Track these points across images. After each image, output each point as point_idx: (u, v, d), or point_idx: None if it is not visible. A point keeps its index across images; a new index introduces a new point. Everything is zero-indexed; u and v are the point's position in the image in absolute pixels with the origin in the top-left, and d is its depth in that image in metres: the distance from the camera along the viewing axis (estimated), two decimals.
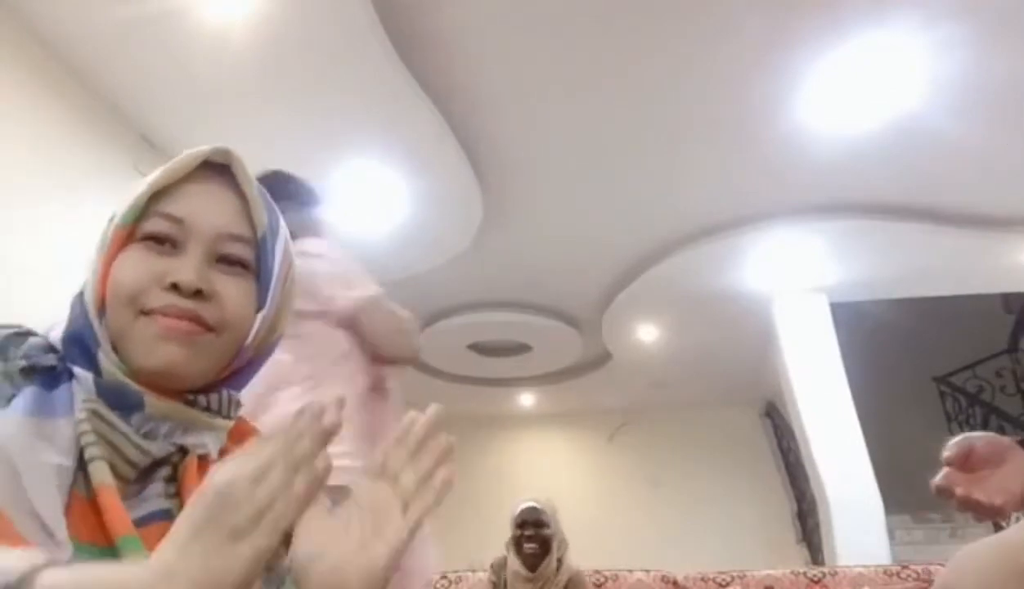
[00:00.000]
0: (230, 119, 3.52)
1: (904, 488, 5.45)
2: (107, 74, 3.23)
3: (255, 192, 0.70)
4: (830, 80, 3.51)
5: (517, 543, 2.69)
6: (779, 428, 7.16)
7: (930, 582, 2.33)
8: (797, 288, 5.30)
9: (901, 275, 5.21)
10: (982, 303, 5.98)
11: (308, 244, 1.71)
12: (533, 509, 2.74)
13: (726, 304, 5.50)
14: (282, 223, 0.74)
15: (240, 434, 0.72)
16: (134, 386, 0.63)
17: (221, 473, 0.49)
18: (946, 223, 4.56)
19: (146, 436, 0.62)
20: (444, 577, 2.96)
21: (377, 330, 1.68)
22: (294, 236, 1.81)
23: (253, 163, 0.74)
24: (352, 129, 3.71)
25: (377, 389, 1.71)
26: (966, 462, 0.97)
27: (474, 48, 3.41)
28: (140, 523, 0.58)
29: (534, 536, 2.67)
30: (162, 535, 0.55)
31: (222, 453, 0.68)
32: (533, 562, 2.65)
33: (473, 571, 3.03)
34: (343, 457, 1.45)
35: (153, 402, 0.63)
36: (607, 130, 3.91)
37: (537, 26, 3.25)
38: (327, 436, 0.51)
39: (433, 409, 0.66)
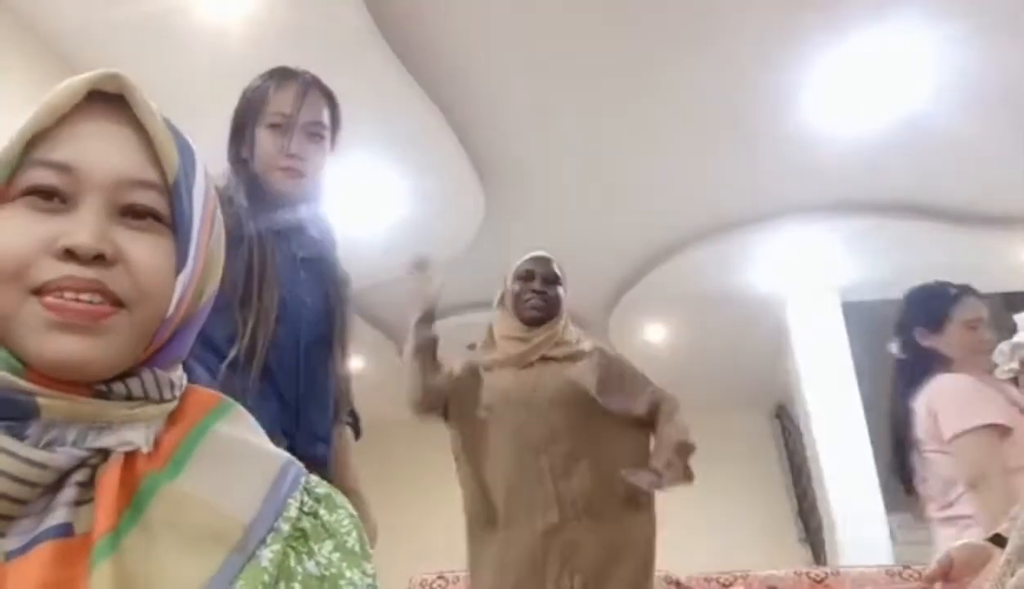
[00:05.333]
0: (229, 118, 3.51)
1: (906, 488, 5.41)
2: None
3: (160, 126, 0.56)
4: (841, 77, 3.49)
5: (516, 299, 2.03)
6: (788, 430, 7.13)
7: None
8: (809, 287, 5.24)
9: (914, 274, 5.14)
10: (987, 304, 5.93)
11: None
12: (544, 260, 2.04)
13: (736, 304, 5.44)
14: (199, 161, 0.59)
15: (193, 407, 0.59)
16: (24, 387, 0.49)
17: None
18: (960, 222, 4.53)
19: (48, 445, 0.50)
20: (441, 577, 2.94)
21: None
22: None
23: None
24: (349, 125, 3.69)
25: None
26: (948, 574, 1.02)
27: (474, 43, 3.39)
28: (23, 550, 0.47)
29: (543, 293, 1.98)
30: (49, 556, 0.47)
31: (158, 442, 0.55)
32: (535, 318, 1.98)
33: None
34: None
35: (51, 405, 0.50)
36: (614, 126, 3.88)
37: (539, 21, 3.24)
38: None
39: None
